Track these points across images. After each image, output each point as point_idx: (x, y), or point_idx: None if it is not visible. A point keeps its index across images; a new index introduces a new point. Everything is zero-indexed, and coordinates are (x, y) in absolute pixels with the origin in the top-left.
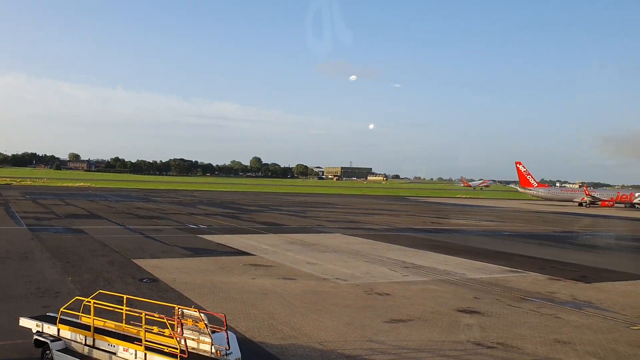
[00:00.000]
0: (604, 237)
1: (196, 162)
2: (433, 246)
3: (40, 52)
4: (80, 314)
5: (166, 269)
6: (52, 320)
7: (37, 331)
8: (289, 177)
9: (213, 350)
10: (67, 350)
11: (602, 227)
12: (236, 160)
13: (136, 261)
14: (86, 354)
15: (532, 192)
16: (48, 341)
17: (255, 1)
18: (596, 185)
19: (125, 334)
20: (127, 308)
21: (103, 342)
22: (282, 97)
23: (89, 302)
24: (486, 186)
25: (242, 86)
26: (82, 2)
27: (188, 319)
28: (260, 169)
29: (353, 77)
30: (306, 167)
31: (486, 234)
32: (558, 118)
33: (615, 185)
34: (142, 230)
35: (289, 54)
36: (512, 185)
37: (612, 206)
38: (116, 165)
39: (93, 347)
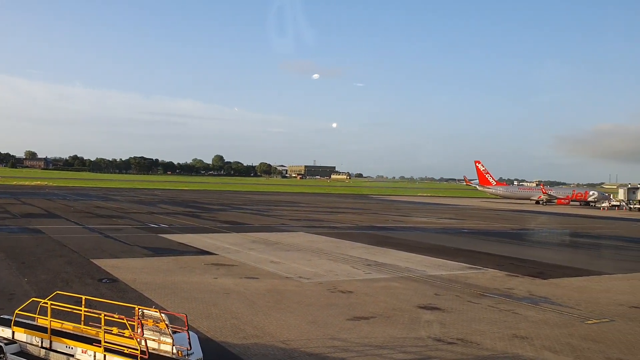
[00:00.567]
0: (560, 234)
1: (157, 160)
2: (395, 244)
3: None
4: (36, 315)
5: (126, 269)
6: (6, 323)
7: None
8: (252, 176)
9: (174, 351)
10: (23, 353)
11: (558, 225)
12: (198, 159)
13: (95, 261)
14: (42, 357)
15: (490, 190)
16: (2, 344)
17: None
18: (552, 184)
19: (84, 335)
20: (86, 309)
21: (60, 344)
22: (245, 95)
23: (46, 303)
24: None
25: (204, 84)
26: None
27: (148, 320)
28: (222, 167)
29: (316, 76)
30: (269, 165)
31: (447, 231)
32: (516, 118)
33: (570, 184)
34: (101, 229)
35: (252, 52)
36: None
37: (567, 204)
38: (74, 164)
39: (50, 349)
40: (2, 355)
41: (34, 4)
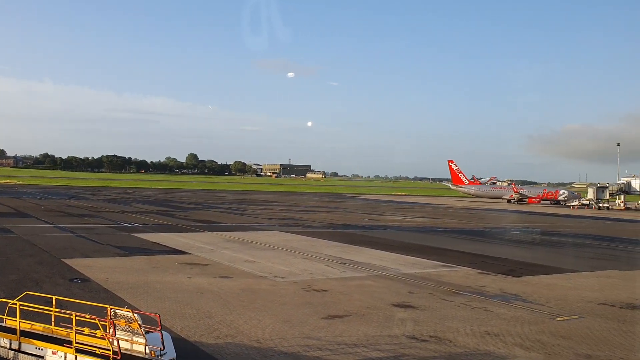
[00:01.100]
0: (531, 233)
1: (129, 158)
2: (370, 242)
3: None
4: (5, 316)
5: (98, 268)
6: None
7: None
8: (226, 174)
9: (147, 351)
10: None
11: (529, 223)
12: (171, 157)
13: (66, 261)
14: (11, 359)
15: (463, 189)
16: None
17: None
18: (524, 183)
19: (55, 336)
20: (57, 309)
21: (30, 346)
22: (219, 93)
23: (15, 304)
24: (493, 183)
25: (177, 81)
26: None
27: (121, 320)
28: (196, 165)
29: (291, 74)
30: (244, 164)
31: (420, 230)
32: (488, 118)
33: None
34: (73, 228)
35: (226, 50)
36: (444, 183)
37: (538, 203)
38: (45, 162)
39: (19, 351)
40: None
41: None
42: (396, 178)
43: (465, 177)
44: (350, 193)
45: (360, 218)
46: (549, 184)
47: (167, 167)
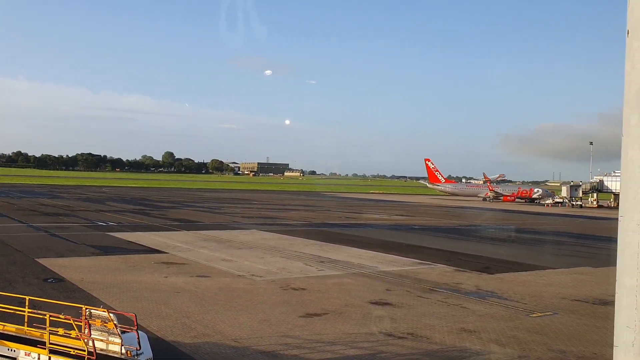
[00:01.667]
0: (506, 230)
1: (105, 156)
2: (348, 240)
3: None
4: None
5: (73, 268)
6: None
7: None
8: (203, 173)
9: (123, 351)
10: None
11: (504, 221)
12: (147, 155)
13: (40, 261)
14: None
15: (440, 187)
16: None
17: None
18: (499, 181)
19: (28, 337)
20: (30, 310)
21: (2, 347)
22: (196, 91)
23: None
24: (502, 180)
25: (153, 79)
26: None
27: (96, 320)
28: (173, 164)
29: (268, 72)
30: (221, 162)
31: (397, 227)
32: (465, 117)
33: (516, 181)
34: (47, 228)
35: (203, 47)
36: (421, 181)
37: (513, 201)
38: (18, 160)
39: None
40: None
41: None
42: (374, 176)
43: (442, 176)
44: (329, 191)
45: (339, 216)
46: (523, 183)
47: (143, 166)
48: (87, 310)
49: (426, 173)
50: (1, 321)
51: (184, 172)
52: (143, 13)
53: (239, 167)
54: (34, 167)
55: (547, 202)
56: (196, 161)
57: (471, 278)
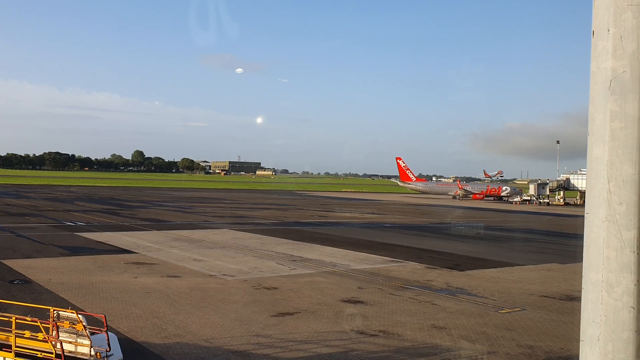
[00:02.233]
0: (475, 228)
1: (73, 155)
2: (320, 239)
3: None
4: None
5: (41, 269)
6: None
7: None
8: (174, 172)
9: (92, 353)
10: None
11: (473, 219)
12: (117, 154)
13: (6, 262)
14: None
15: (411, 186)
16: None
17: None
18: (468, 180)
19: None
20: None
21: None
22: (165, 89)
23: None
24: (501, 176)
25: (121, 76)
26: None
27: (64, 321)
28: (142, 163)
29: (239, 70)
30: (192, 161)
31: (369, 226)
32: (434, 116)
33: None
34: (13, 228)
35: (172, 44)
36: (393, 180)
37: (482, 199)
38: None
39: None
40: None
41: None
42: (346, 175)
43: (413, 174)
44: (301, 190)
45: (311, 215)
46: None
47: (112, 165)
48: (54, 311)
49: (397, 171)
50: None
51: (154, 171)
52: (112, 10)
53: (210, 166)
54: None
55: (515, 199)
56: (166, 160)
57: (441, 275)
